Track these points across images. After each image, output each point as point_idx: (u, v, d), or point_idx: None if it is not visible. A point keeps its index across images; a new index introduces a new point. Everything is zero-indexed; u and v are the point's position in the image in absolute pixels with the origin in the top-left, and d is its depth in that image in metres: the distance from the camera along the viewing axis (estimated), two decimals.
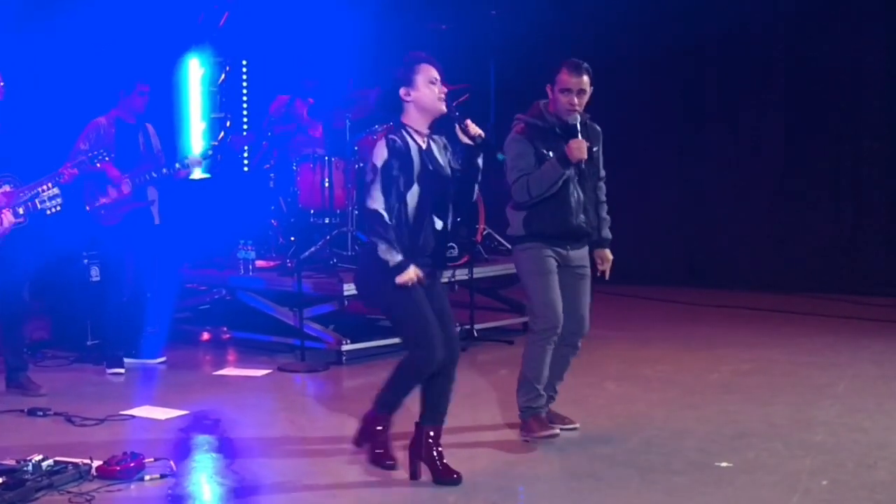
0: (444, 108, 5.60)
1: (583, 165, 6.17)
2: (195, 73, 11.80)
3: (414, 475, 5.72)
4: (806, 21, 11.69)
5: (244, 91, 12.00)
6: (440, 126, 5.72)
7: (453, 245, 9.50)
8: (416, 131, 5.60)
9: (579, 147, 6.09)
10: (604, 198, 6.60)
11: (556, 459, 6.12)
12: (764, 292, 11.46)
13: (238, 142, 9.35)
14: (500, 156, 6.05)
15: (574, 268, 6.36)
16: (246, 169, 11.63)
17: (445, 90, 5.64)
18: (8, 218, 7.06)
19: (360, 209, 6.47)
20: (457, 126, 5.63)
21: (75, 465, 5.69)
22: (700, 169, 12.37)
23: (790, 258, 11.86)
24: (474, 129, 5.59)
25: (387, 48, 11.48)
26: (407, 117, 5.62)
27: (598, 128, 6.49)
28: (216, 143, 9.59)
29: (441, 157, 5.67)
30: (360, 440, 5.76)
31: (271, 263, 9.85)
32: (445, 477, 5.65)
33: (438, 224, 5.62)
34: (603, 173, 6.56)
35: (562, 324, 6.30)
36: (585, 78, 6.27)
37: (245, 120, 11.98)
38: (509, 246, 7.03)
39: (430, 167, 5.57)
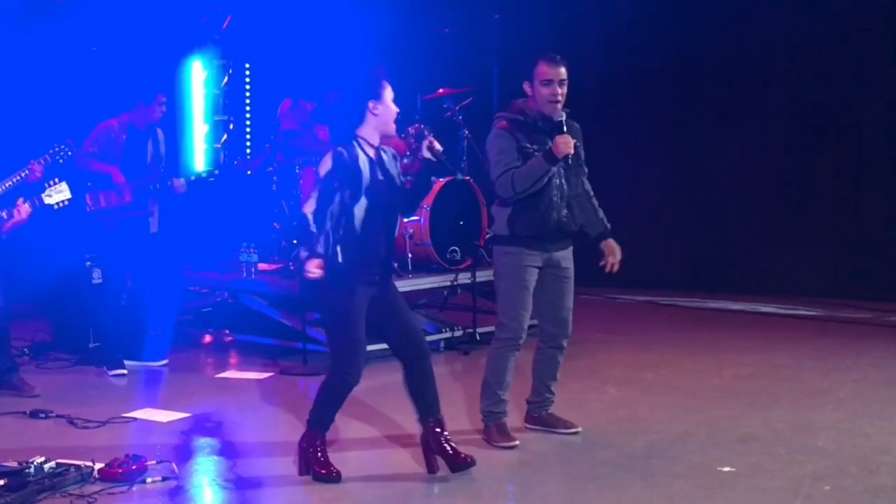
0: (394, 129, 5.80)
1: (569, 161, 6.12)
2: (198, 75, 11.82)
3: (431, 468, 5.84)
4: (806, 23, 11.67)
5: (247, 93, 12.01)
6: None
7: (456, 249, 9.51)
8: (368, 143, 5.72)
9: (566, 142, 6.06)
10: (592, 191, 6.55)
11: (557, 463, 6.13)
12: (766, 296, 11.46)
13: (245, 166, 9.38)
14: (459, 175, 6.10)
15: (558, 269, 6.33)
16: (249, 172, 11.62)
17: (398, 110, 5.79)
18: (26, 209, 7.13)
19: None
20: (424, 141, 5.79)
21: (77, 467, 5.70)
22: (701, 173, 12.34)
23: (792, 262, 11.83)
24: (438, 147, 5.75)
25: (391, 51, 11.51)
26: (363, 129, 5.72)
27: (577, 125, 6.38)
28: (217, 171, 9.56)
29: (392, 168, 5.80)
30: (302, 468, 5.86)
31: (274, 266, 9.86)
32: (460, 463, 5.79)
33: (385, 233, 5.75)
34: (586, 169, 6.50)
35: (525, 336, 6.31)
36: (563, 69, 6.24)
37: (248, 122, 11.99)
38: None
39: (381, 177, 5.70)
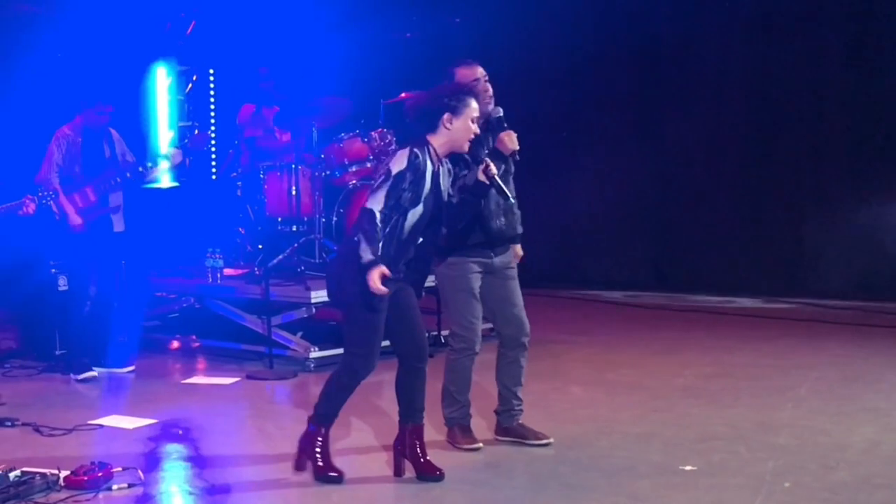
0: (466, 148, 5.71)
1: (516, 157, 6.10)
2: (162, 81, 11.80)
3: (398, 472, 5.87)
4: (764, 19, 11.78)
5: (211, 100, 12.00)
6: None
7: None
8: (436, 153, 5.67)
9: (510, 138, 6.06)
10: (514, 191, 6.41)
11: (521, 464, 6.16)
12: (727, 296, 11.57)
13: (197, 141, 9.28)
14: (512, 200, 6.02)
15: (500, 271, 6.33)
16: (214, 177, 11.64)
17: (478, 132, 5.71)
18: (33, 207, 7.26)
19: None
20: (480, 167, 5.72)
21: (43, 475, 5.68)
22: (662, 172, 12.45)
23: (752, 261, 11.96)
24: (493, 170, 5.72)
25: (352, 56, 11.54)
26: (435, 139, 5.67)
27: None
28: (186, 142, 9.51)
29: (444, 182, 5.76)
30: (299, 463, 5.86)
31: (239, 271, 9.87)
32: (428, 472, 5.81)
33: (420, 240, 5.75)
34: (512, 169, 6.38)
35: (480, 342, 6.30)
36: (480, 68, 6.23)
37: (212, 128, 11.99)
38: None
39: (435, 191, 5.66)
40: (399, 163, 5.56)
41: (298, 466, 5.86)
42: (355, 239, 5.53)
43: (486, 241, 6.24)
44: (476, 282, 6.26)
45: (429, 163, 5.61)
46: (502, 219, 6.26)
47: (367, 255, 5.45)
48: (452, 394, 6.38)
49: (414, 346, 5.84)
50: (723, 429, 6.74)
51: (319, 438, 5.82)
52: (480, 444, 6.38)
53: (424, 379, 5.88)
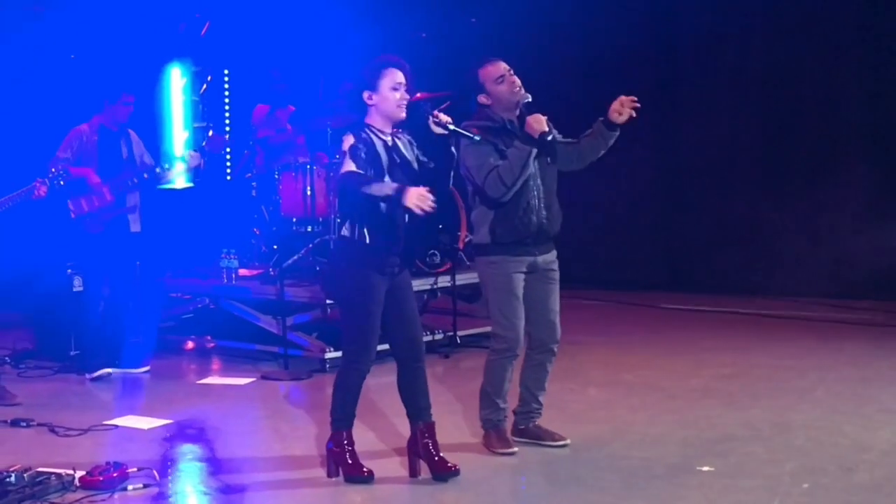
0: (403, 115, 5.70)
1: (547, 138, 6.00)
2: (177, 82, 11.81)
3: (413, 472, 5.86)
4: (782, 19, 11.74)
5: (226, 100, 12.02)
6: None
7: (436, 252, 9.54)
8: (380, 131, 5.70)
9: (537, 119, 6.01)
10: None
11: (538, 464, 6.14)
12: (744, 296, 11.51)
13: (214, 144, 9.28)
14: (476, 137, 5.96)
15: (543, 273, 6.25)
16: (228, 178, 11.65)
17: (407, 97, 5.71)
18: (45, 189, 7.27)
19: (336, 188, 6.42)
20: (429, 119, 5.70)
21: (58, 475, 5.69)
22: (680, 172, 12.41)
23: (770, 261, 11.91)
24: (444, 117, 5.70)
25: (367, 56, 11.50)
26: (370, 118, 5.72)
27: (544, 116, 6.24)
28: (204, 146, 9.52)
29: (408, 153, 5.78)
30: (331, 470, 5.85)
31: (254, 272, 9.87)
32: (443, 471, 5.78)
33: (406, 219, 5.70)
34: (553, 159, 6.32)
35: (521, 345, 6.25)
36: (503, 63, 6.20)
37: (227, 129, 12.00)
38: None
39: (398, 160, 5.67)
40: (347, 141, 5.60)
41: (330, 473, 5.85)
42: (344, 238, 5.60)
43: (525, 239, 6.15)
44: (519, 282, 6.16)
45: (374, 138, 5.64)
46: (544, 213, 6.18)
47: (384, 188, 5.47)
48: (490, 395, 6.30)
49: (409, 344, 5.81)
50: (740, 430, 6.70)
51: (344, 442, 5.80)
52: (515, 449, 6.27)
53: (424, 377, 5.86)
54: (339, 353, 8.64)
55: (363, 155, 5.54)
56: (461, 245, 9.66)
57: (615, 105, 6.22)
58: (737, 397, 7.53)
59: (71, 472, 5.74)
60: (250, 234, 10.34)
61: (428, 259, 9.49)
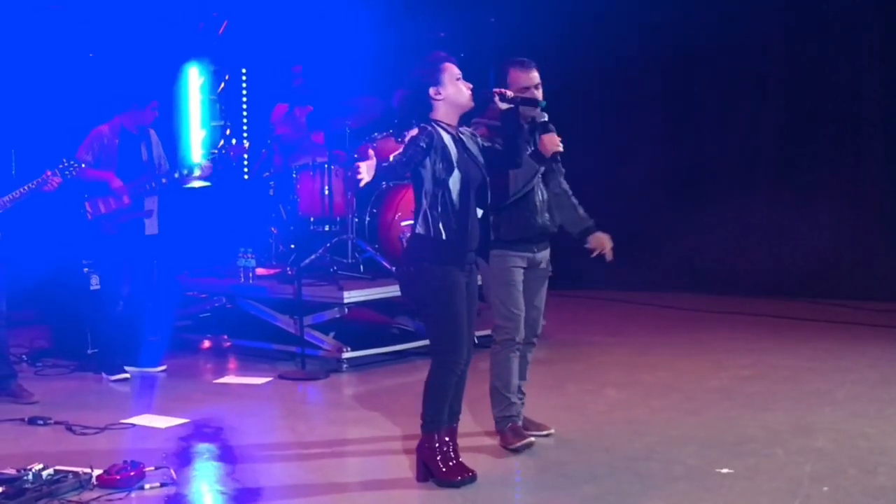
0: (472, 102, 5.74)
1: (558, 158, 6.12)
2: (195, 81, 11.82)
3: (421, 477, 5.79)
4: (802, 21, 11.68)
5: (244, 99, 12.02)
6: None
7: None
8: (448, 125, 5.70)
9: (552, 140, 6.08)
10: (570, 190, 6.63)
11: (556, 466, 6.12)
12: (763, 297, 11.46)
13: (235, 151, 9.31)
14: (542, 103, 6.02)
15: (538, 269, 6.42)
16: (246, 177, 11.64)
17: (471, 85, 5.75)
18: (57, 181, 7.25)
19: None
20: (494, 97, 5.82)
21: (76, 473, 5.70)
22: (699, 174, 12.36)
23: (789, 263, 11.85)
24: (508, 92, 5.85)
25: (386, 56, 11.52)
26: (437, 114, 5.70)
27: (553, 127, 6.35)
28: (215, 153, 9.56)
29: (472, 147, 5.79)
30: (421, 474, 5.78)
31: (271, 271, 9.86)
32: (460, 475, 5.73)
33: (479, 213, 5.73)
34: (563, 170, 6.48)
35: (521, 334, 6.34)
36: (536, 72, 6.25)
37: (245, 128, 12.00)
38: None
39: (466, 154, 5.69)
40: (410, 133, 5.61)
41: (419, 477, 5.78)
42: (418, 235, 5.61)
43: (529, 236, 6.32)
44: (519, 275, 6.32)
45: (443, 132, 5.63)
46: (546, 215, 6.35)
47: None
48: (500, 390, 6.37)
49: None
50: (759, 431, 6.66)
51: (437, 444, 5.73)
52: (532, 439, 6.36)
53: (465, 382, 5.84)
54: (356, 353, 8.74)
55: (423, 145, 5.51)
56: None
57: (600, 244, 6.62)
58: (756, 399, 7.50)
59: (88, 470, 5.74)
60: (268, 234, 10.32)
61: None
